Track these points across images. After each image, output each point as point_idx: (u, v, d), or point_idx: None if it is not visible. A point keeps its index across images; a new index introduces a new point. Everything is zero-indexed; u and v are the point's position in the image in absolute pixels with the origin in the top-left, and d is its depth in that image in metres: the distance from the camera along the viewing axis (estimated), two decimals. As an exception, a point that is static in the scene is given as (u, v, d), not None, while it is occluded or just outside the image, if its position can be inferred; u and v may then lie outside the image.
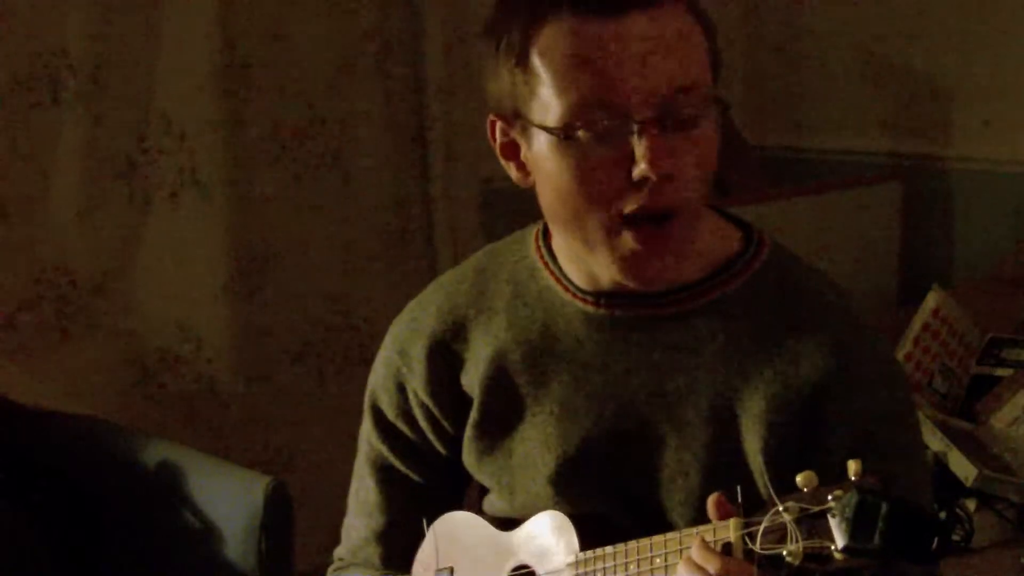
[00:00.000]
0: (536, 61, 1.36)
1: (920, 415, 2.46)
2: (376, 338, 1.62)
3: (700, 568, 1.23)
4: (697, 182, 1.36)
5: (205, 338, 3.29)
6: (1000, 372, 2.73)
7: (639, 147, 1.32)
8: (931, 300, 2.76)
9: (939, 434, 2.43)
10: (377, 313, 3.37)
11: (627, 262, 1.38)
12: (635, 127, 1.32)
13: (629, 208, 1.34)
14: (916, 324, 2.73)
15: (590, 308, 1.46)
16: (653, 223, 1.35)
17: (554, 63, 1.34)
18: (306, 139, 3.40)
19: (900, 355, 2.69)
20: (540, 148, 1.38)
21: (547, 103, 1.35)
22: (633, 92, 1.32)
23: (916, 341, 2.72)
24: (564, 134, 1.35)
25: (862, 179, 3.48)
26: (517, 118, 1.39)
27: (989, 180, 3.39)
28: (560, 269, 1.49)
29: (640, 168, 1.32)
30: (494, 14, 1.41)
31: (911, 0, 3.50)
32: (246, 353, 3.36)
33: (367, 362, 1.63)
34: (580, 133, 1.34)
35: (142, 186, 3.19)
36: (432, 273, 3.24)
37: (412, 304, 1.60)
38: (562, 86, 1.34)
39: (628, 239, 1.36)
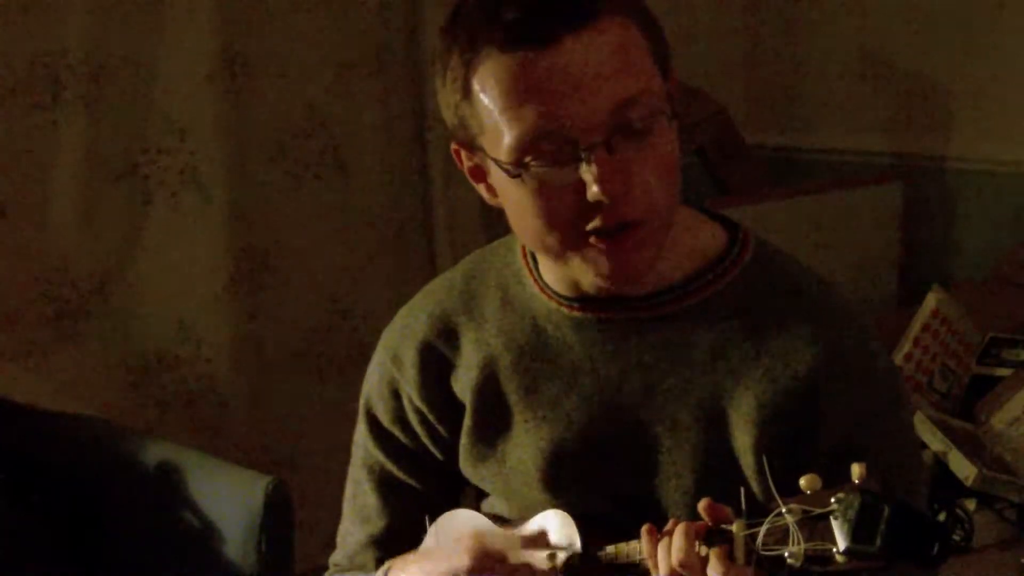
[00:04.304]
0: (479, 96, 1.34)
1: (920, 415, 2.47)
2: (376, 338, 1.63)
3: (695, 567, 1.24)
4: (659, 189, 1.35)
5: (205, 338, 3.30)
6: (1000, 372, 2.73)
7: (588, 172, 1.31)
8: (931, 300, 2.76)
9: (939, 434, 2.43)
10: (377, 313, 3.37)
11: (601, 270, 1.38)
12: (583, 153, 1.32)
13: (592, 226, 1.34)
14: (916, 324, 2.73)
15: (576, 314, 1.46)
16: (618, 233, 1.35)
17: (494, 99, 1.33)
18: (306, 139, 3.40)
19: (900, 355, 2.69)
20: (499, 177, 1.38)
21: (496, 137, 1.34)
22: (576, 119, 1.31)
23: (916, 341, 2.72)
24: (515, 168, 1.34)
25: (862, 179, 3.48)
26: (475, 148, 1.39)
27: (989, 180, 3.39)
28: (542, 277, 1.49)
29: (592, 191, 1.32)
30: (439, 44, 1.40)
31: (911, 0, 3.50)
32: (246, 353, 3.36)
33: (367, 362, 1.63)
34: (531, 164, 1.34)
35: (142, 186, 3.19)
36: (432, 273, 3.24)
37: (403, 311, 1.61)
38: (505, 121, 1.33)
39: (596, 250, 1.36)
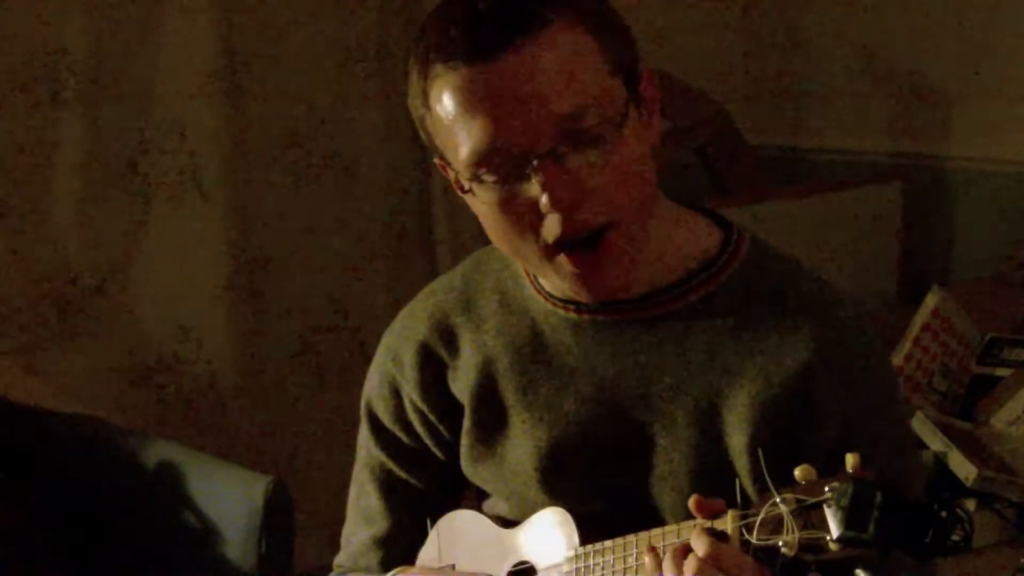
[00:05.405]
0: (437, 112, 1.36)
1: (920, 415, 2.47)
2: (376, 338, 1.63)
3: (700, 558, 1.24)
4: (620, 193, 1.35)
5: (205, 338, 3.30)
6: (1000, 372, 2.72)
7: (536, 184, 1.32)
8: (931, 300, 2.76)
9: (939, 434, 2.43)
10: (377, 313, 3.37)
11: (573, 282, 1.39)
12: (533, 163, 1.32)
13: (552, 236, 1.35)
14: (916, 324, 2.73)
15: (572, 315, 1.47)
16: (583, 245, 1.36)
17: (447, 114, 1.34)
18: (306, 139, 3.40)
19: (900, 355, 2.69)
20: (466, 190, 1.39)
21: (454, 152, 1.36)
22: (521, 132, 1.31)
23: (916, 341, 2.71)
24: (472, 183, 1.36)
25: (862, 179, 3.48)
26: (446, 162, 1.41)
27: (989, 180, 3.38)
28: (538, 279, 1.50)
29: (541, 203, 1.33)
30: (405, 65, 1.41)
31: (911, 1, 3.50)
32: (246, 353, 3.36)
33: (367, 362, 1.64)
34: (486, 177, 1.35)
35: (142, 186, 3.19)
36: (432, 273, 3.24)
37: (403, 312, 1.61)
38: (459, 136, 1.34)
39: (564, 262, 1.37)
